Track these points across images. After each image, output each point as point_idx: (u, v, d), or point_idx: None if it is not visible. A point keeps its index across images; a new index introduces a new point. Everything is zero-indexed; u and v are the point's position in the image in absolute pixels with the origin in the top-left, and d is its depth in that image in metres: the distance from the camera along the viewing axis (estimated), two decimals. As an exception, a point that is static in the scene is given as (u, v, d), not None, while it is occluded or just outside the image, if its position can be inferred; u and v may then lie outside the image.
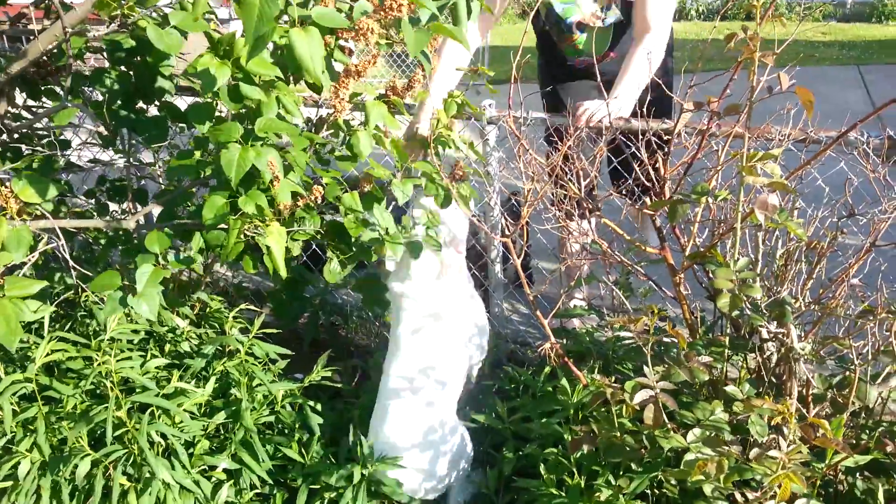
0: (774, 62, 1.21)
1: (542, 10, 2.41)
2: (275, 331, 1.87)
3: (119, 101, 1.71)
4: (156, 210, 1.77)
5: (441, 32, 1.44)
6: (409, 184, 1.58)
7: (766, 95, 1.21)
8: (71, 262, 1.50)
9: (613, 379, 1.47)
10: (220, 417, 1.71)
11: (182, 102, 1.89)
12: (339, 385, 2.06)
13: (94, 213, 2.13)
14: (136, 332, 1.80)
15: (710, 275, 1.52)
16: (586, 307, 2.21)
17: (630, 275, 2.19)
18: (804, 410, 1.48)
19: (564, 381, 1.73)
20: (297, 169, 1.49)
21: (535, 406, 1.84)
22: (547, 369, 1.93)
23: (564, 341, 2.07)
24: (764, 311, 1.40)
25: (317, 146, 1.70)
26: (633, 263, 1.74)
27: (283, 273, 1.37)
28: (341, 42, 1.68)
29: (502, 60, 6.27)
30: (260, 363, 1.85)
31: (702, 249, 1.51)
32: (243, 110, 1.49)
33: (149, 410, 1.63)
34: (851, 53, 8.70)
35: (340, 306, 2.65)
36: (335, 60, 1.69)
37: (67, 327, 1.87)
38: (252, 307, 2.02)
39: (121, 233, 1.90)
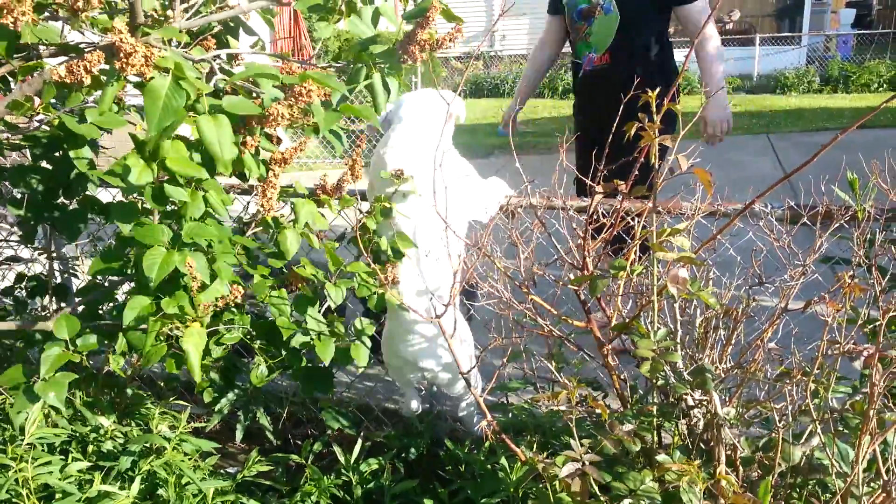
0: (694, 133, 1.29)
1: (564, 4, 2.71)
2: (205, 425, 1.81)
3: (40, 198, 1.68)
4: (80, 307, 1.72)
5: (351, 112, 1.46)
6: (343, 286, 1.57)
7: (670, 177, 1.29)
8: (-16, 367, 1.44)
9: (548, 453, 1.47)
10: (147, 521, 1.63)
11: (106, 195, 1.87)
12: (273, 481, 1.99)
13: (13, 311, 2.05)
14: (57, 434, 1.72)
15: (634, 345, 1.56)
16: (521, 380, 2.22)
17: (562, 346, 2.22)
18: (734, 474, 1.51)
19: (504, 459, 1.72)
20: (223, 276, 1.46)
21: (476, 487, 1.81)
22: (487, 445, 1.92)
23: (509, 415, 2.06)
24: (687, 378, 1.45)
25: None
26: (565, 335, 1.77)
27: (198, 378, 1.33)
28: (268, 130, 1.69)
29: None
30: (190, 459, 1.78)
31: (626, 320, 1.56)
32: (170, 208, 1.46)
33: (70, 518, 1.54)
34: (761, 122, 9.30)
35: (276, 394, 2.59)
36: (263, 149, 1.70)
37: (-20, 434, 1.77)
38: (182, 400, 1.96)
39: (39, 333, 1.83)
